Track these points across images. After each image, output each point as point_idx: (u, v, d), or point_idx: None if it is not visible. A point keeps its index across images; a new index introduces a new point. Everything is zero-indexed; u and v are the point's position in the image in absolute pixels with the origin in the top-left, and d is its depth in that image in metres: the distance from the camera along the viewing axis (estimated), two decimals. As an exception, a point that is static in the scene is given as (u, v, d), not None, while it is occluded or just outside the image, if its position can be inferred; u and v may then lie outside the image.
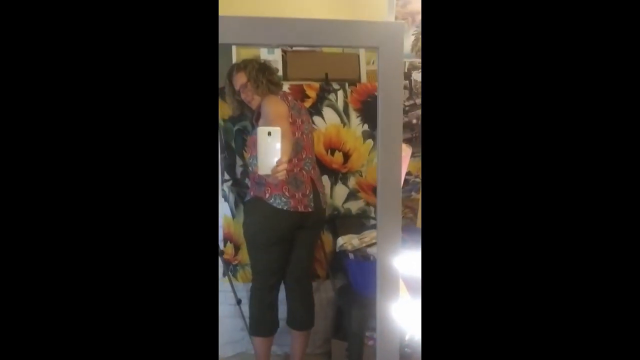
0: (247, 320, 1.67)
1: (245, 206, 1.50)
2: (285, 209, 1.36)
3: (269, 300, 1.45)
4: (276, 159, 1.04)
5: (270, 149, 1.03)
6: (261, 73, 1.41)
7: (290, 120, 1.38)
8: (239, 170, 1.69)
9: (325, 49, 1.70)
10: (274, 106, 1.38)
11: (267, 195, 1.36)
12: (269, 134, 1.02)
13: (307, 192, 1.40)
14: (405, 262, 0.66)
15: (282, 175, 1.09)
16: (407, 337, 0.79)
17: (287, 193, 1.37)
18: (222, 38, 0.42)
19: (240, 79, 1.43)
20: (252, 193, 1.41)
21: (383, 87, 0.50)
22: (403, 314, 0.56)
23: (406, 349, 0.83)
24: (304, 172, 1.41)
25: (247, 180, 1.61)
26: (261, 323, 1.46)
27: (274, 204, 1.36)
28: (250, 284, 1.64)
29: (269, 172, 1.06)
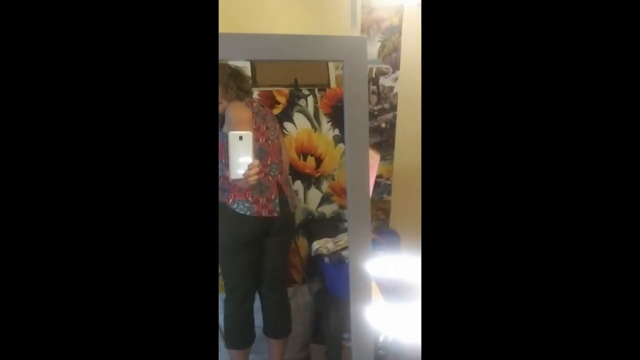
0: (222, 332, 1.65)
1: None
2: (248, 214, 1.36)
3: (243, 310, 1.44)
4: (248, 163, 1.04)
5: (242, 153, 1.03)
6: (232, 79, 1.41)
7: (254, 126, 1.39)
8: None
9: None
10: (237, 111, 1.39)
11: (230, 201, 1.36)
12: (240, 138, 1.01)
13: (273, 197, 1.40)
14: (378, 264, 0.67)
15: (254, 179, 1.09)
16: (381, 339, 0.81)
17: (250, 198, 1.37)
18: None
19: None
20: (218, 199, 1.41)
21: (349, 97, 0.52)
22: (376, 316, 0.58)
23: (380, 351, 0.85)
24: (270, 178, 1.41)
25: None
26: (237, 335, 1.44)
27: (237, 209, 1.35)
28: (222, 294, 1.63)
29: (240, 176, 1.05)
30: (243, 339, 1.44)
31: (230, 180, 1.30)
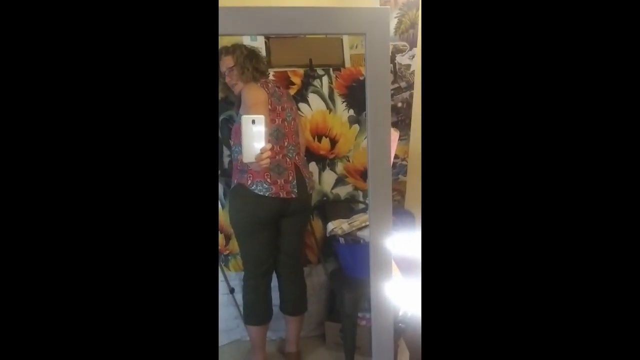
0: (241, 308, 1.69)
1: (230, 194, 1.49)
2: (266, 195, 1.37)
3: (262, 288, 1.46)
4: (260, 147, 1.05)
5: (254, 136, 1.04)
6: (248, 60, 1.40)
7: (269, 107, 1.38)
8: (226, 160, 1.68)
9: (308, 35, 1.69)
10: (253, 93, 1.38)
11: (249, 182, 1.37)
12: (253, 122, 1.02)
13: (290, 178, 1.41)
14: (396, 242, 0.68)
15: (265, 162, 1.09)
16: (400, 313, 0.82)
17: (268, 180, 1.37)
18: None
19: (227, 63, 1.42)
20: (235, 180, 1.42)
21: (371, 73, 0.51)
22: (396, 292, 0.59)
23: (400, 324, 0.87)
24: (287, 159, 1.41)
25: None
26: (255, 312, 1.47)
27: (256, 190, 1.37)
28: (242, 273, 1.66)
29: (253, 159, 1.06)
30: (261, 315, 1.47)
31: (243, 163, 1.31)
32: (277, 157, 1.39)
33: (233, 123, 1.62)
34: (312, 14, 0.46)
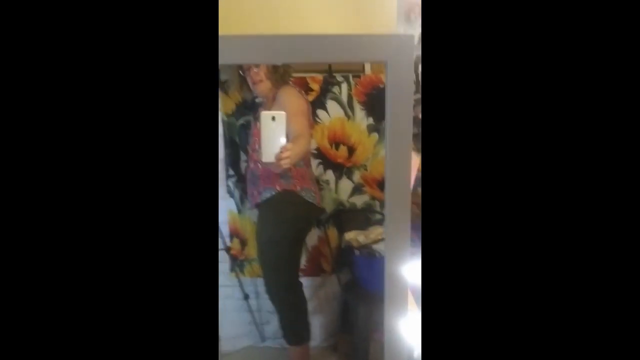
0: (255, 315, 1.69)
1: (271, 202, 1.32)
2: (314, 202, 1.32)
3: (305, 302, 1.39)
4: (280, 146, 0.98)
5: (275, 134, 0.96)
6: (281, 66, 1.31)
7: (311, 120, 1.31)
8: (243, 165, 1.68)
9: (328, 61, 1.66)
10: (295, 100, 1.27)
11: (298, 188, 1.28)
12: (273, 118, 0.94)
13: (318, 188, 1.39)
14: (414, 268, 0.64)
15: (286, 163, 1.01)
16: (415, 355, 0.78)
17: (313, 187, 1.33)
18: (225, 58, 0.41)
19: (258, 73, 1.32)
20: (277, 187, 1.30)
21: (391, 101, 0.48)
22: (411, 329, 0.56)
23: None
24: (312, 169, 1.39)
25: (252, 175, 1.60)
26: (301, 328, 1.36)
27: (306, 197, 1.29)
28: (257, 279, 1.65)
29: (272, 159, 0.98)
30: (307, 331, 1.38)
31: (261, 164, 1.24)
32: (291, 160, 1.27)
33: (250, 128, 1.61)
34: (331, 42, 0.44)
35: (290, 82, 1.35)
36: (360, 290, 1.50)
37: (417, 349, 0.76)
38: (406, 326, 0.56)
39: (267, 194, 1.31)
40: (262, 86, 1.31)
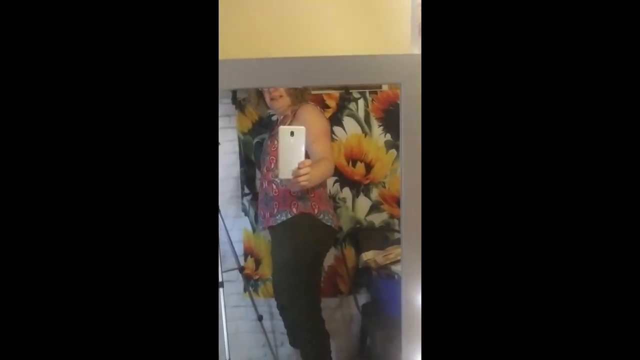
0: (270, 336, 1.65)
1: (286, 225, 1.24)
2: (332, 226, 1.26)
3: (326, 331, 1.31)
4: (299, 162, 0.92)
5: (293, 150, 0.91)
6: None
7: (331, 139, 1.26)
8: (258, 183, 1.67)
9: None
10: (318, 120, 1.22)
11: (316, 211, 1.23)
12: (292, 133, 0.90)
13: (333, 207, 1.35)
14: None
15: (304, 180, 0.96)
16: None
17: (330, 209, 1.28)
18: (235, 83, 0.39)
19: (277, 89, 1.27)
20: (294, 209, 1.22)
21: (406, 121, 0.45)
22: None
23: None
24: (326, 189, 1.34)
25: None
26: (323, 354, 1.29)
27: (324, 220, 1.23)
28: (270, 299, 1.61)
29: (290, 176, 0.93)
30: (329, 357, 1.31)
31: (279, 181, 1.19)
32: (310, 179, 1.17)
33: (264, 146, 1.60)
34: (343, 63, 0.42)
35: (310, 101, 1.32)
36: (379, 313, 1.43)
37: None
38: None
39: (282, 217, 1.24)
40: (281, 102, 1.28)
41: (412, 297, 0.53)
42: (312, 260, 1.26)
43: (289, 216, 1.23)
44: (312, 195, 1.23)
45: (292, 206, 1.23)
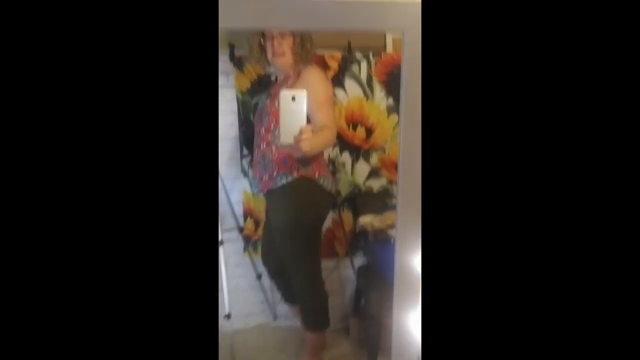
0: (268, 295, 1.70)
1: (285, 188, 1.23)
2: (331, 191, 1.27)
3: (325, 291, 1.36)
4: (300, 127, 0.91)
5: (295, 115, 0.89)
6: (307, 41, 1.21)
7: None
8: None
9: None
10: (323, 86, 1.18)
11: (317, 176, 1.22)
12: (293, 98, 0.88)
13: (331, 172, 1.36)
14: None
15: (306, 145, 0.95)
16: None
17: (329, 175, 1.28)
18: (234, 21, 0.38)
19: (281, 44, 1.20)
20: (294, 173, 1.21)
21: (407, 72, 0.44)
22: (421, 326, 0.53)
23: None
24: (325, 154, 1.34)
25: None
26: (322, 315, 1.34)
27: (324, 185, 1.23)
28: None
29: (291, 140, 0.92)
30: (327, 319, 1.37)
31: (280, 146, 1.17)
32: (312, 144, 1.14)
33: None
34: (347, 8, 0.40)
35: (314, 63, 1.26)
36: (373, 275, 1.47)
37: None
38: (416, 314, 0.53)
39: (282, 180, 1.23)
40: (284, 60, 1.22)
41: (407, 260, 0.53)
42: (311, 223, 1.26)
43: (289, 179, 1.22)
44: (314, 159, 1.22)
45: (293, 169, 1.22)
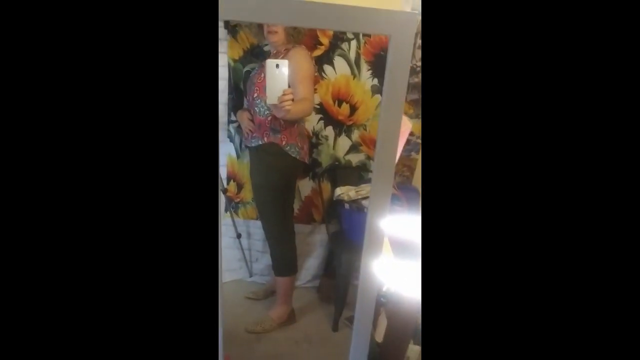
0: (246, 253, 1.83)
1: (257, 150, 1.44)
2: (297, 158, 1.43)
3: (294, 242, 1.55)
4: (283, 89, 1.11)
5: (278, 80, 1.09)
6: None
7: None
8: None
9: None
10: (308, 64, 1.35)
11: (284, 143, 1.41)
12: (277, 66, 1.08)
13: (307, 145, 1.49)
14: (394, 222, 0.73)
15: (288, 104, 1.14)
16: (384, 289, 0.90)
17: (299, 143, 1.43)
18: (228, 14, 0.45)
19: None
20: (265, 138, 1.40)
21: (391, 70, 0.53)
22: (383, 268, 0.65)
23: (382, 299, 0.96)
24: (307, 128, 1.48)
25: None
26: (292, 263, 1.56)
27: (290, 152, 1.41)
28: (250, 221, 1.77)
29: (275, 101, 1.12)
30: (295, 266, 1.59)
31: (266, 107, 1.35)
32: (303, 125, 1.42)
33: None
34: (338, 11, 0.48)
35: (305, 37, 1.41)
36: (345, 239, 1.62)
37: (385, 285, 0.88)
38: (379, 267, 0.65)
39: (257, 142, 1.45)
40: (277, 37, 1.38)
41: (375, 225, 0.62)
42: (278, 183, 1.45)
43: (260, 143, 1.43)
44: (284, 129, 1.40)
45: (264, 135, 1.42)
